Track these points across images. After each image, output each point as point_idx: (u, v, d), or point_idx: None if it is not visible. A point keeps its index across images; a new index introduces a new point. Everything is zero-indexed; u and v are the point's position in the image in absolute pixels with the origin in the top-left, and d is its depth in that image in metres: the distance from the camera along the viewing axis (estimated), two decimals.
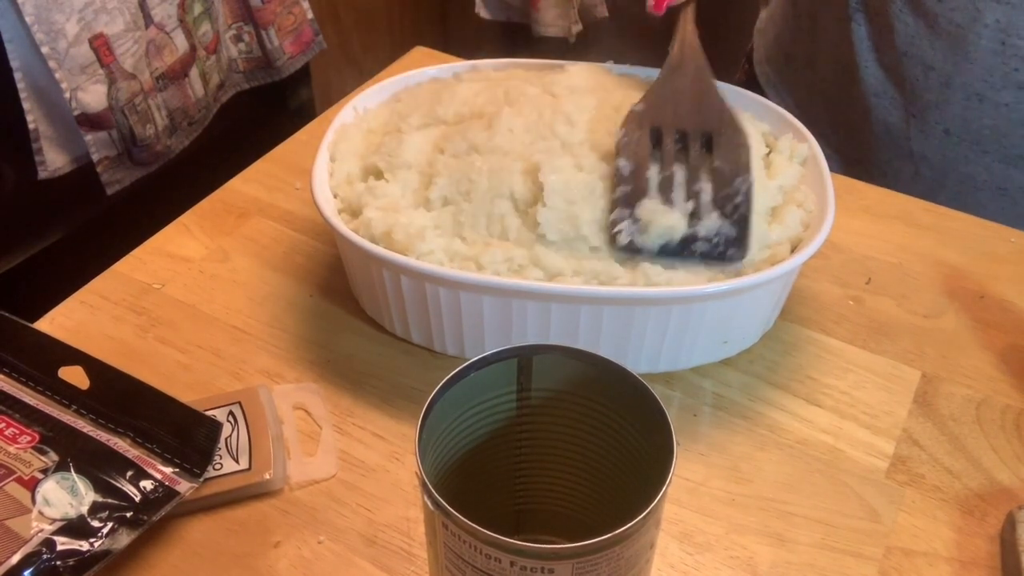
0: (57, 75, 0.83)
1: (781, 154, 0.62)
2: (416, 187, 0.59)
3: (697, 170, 0.57)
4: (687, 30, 0.62)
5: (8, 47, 0.81)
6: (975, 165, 0.79)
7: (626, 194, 0.56)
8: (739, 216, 0.56)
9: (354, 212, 0.59)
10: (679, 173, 0.57)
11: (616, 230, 0.55)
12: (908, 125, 0.80)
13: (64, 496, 0.46)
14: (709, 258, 0.55)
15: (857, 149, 0.85)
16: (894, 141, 0.82)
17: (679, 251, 0.55)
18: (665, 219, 0.55)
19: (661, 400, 0.39)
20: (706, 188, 0.56)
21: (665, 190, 0.56)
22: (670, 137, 0.58)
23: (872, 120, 0.82)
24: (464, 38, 1.94)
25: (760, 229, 0.57)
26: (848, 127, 0.86)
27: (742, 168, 0.57)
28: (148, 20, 0.93)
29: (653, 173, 0.57)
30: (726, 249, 0.55)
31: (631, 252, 0.55)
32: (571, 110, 0.61)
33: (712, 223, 0.55)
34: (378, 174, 0.61)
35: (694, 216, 0.55)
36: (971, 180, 0.80)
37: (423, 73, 0.70)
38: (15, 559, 0.44)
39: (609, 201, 0.56)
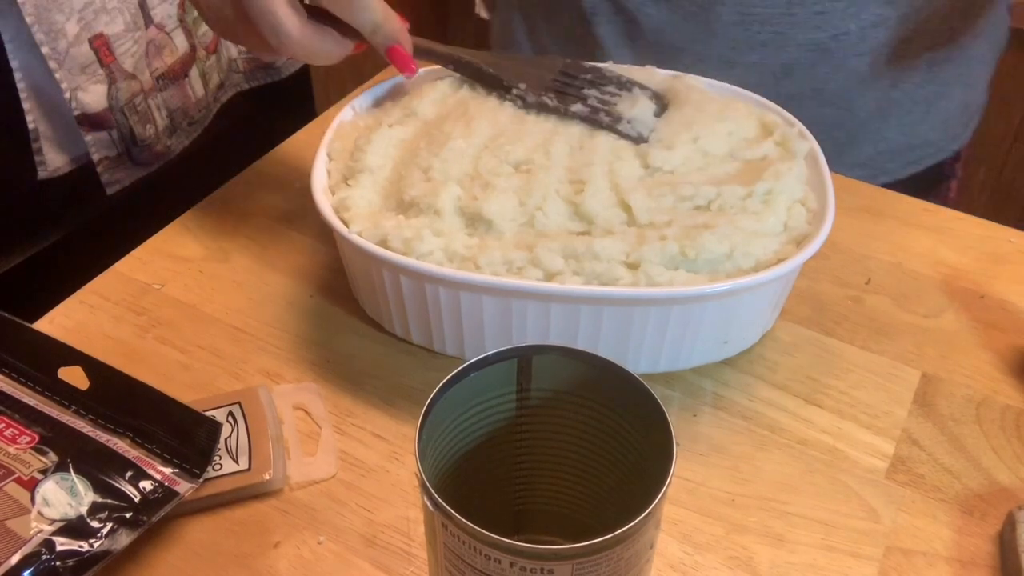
0: (57, 75, 0.83)
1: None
2: (385, 191, 0.59)
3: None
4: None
5: (8, 47, 0.80)
6: None
7: None
8: None
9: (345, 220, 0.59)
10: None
11: None
12: None
13: (64, 496, 0.46)
14: None
15: None
16: None
17: None
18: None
19: (661, 400, 0.39)
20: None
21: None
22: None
23: None
24: (464, 38, 1.94)
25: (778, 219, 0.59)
26: None
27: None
28: (148, 20, 0.93)
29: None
30: None
31: None
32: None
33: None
34: (348, 177, 0.61)
35: None
36: None
37: (422, 73, 0.70)
38: (14, 559, 0.44)
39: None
